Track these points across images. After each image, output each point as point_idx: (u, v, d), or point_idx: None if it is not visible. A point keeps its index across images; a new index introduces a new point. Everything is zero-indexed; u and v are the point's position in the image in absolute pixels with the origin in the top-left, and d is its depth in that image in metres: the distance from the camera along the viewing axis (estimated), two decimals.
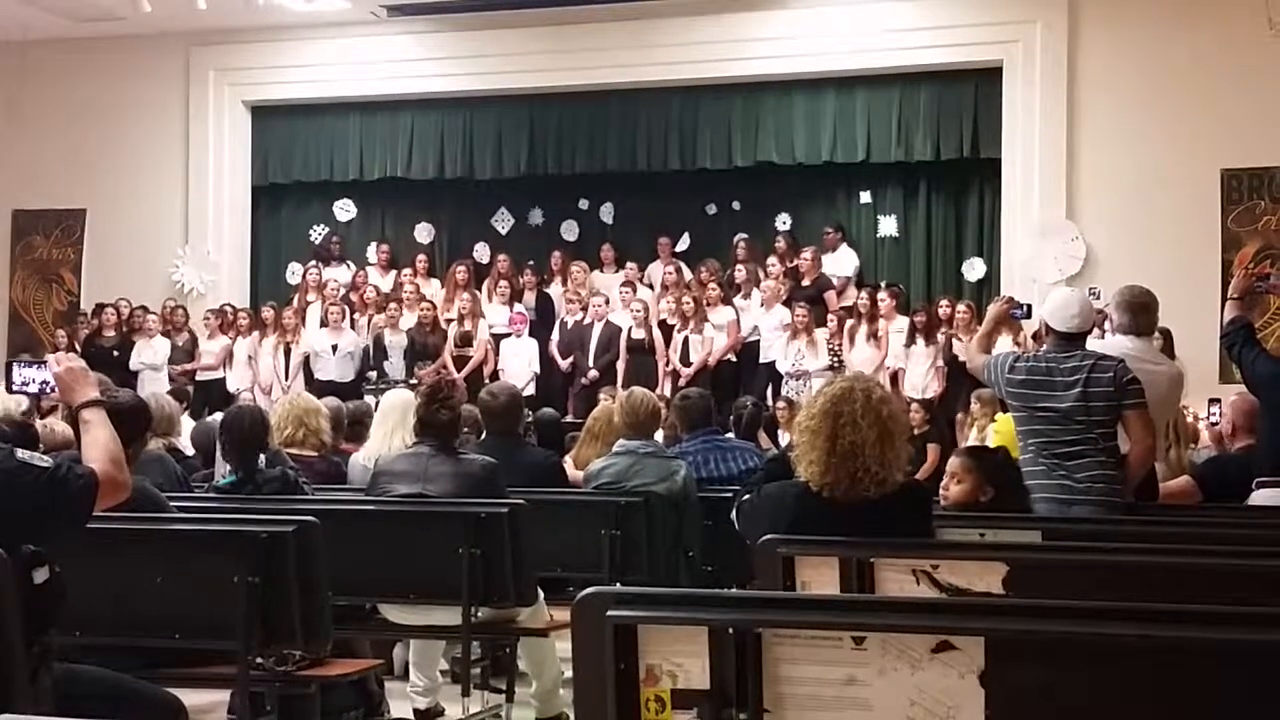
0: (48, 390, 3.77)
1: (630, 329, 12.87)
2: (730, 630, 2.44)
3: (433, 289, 14.21)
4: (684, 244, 14.50)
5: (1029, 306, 6.39)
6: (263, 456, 5.64)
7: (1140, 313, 5.81)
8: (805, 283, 13.20)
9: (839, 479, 3.86)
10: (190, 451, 7.08)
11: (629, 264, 14.02)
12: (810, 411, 3.96)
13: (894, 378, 12.24)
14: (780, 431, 10.65)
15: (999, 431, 8.86)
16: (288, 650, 4.48)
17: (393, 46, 14.42)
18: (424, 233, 15.38)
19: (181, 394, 10.72)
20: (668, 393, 10.96)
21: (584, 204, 15.06)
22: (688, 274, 13.75)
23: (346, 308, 13.78)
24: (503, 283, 13.82)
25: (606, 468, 6.49)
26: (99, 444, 3.50)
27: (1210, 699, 2.29)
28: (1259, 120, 12.18)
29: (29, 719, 3.10)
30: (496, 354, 13.34)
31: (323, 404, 7.02)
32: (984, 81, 13.22)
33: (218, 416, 6.70)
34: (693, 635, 2.46)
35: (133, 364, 13.62)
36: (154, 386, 12.00)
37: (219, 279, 14.84)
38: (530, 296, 13.94)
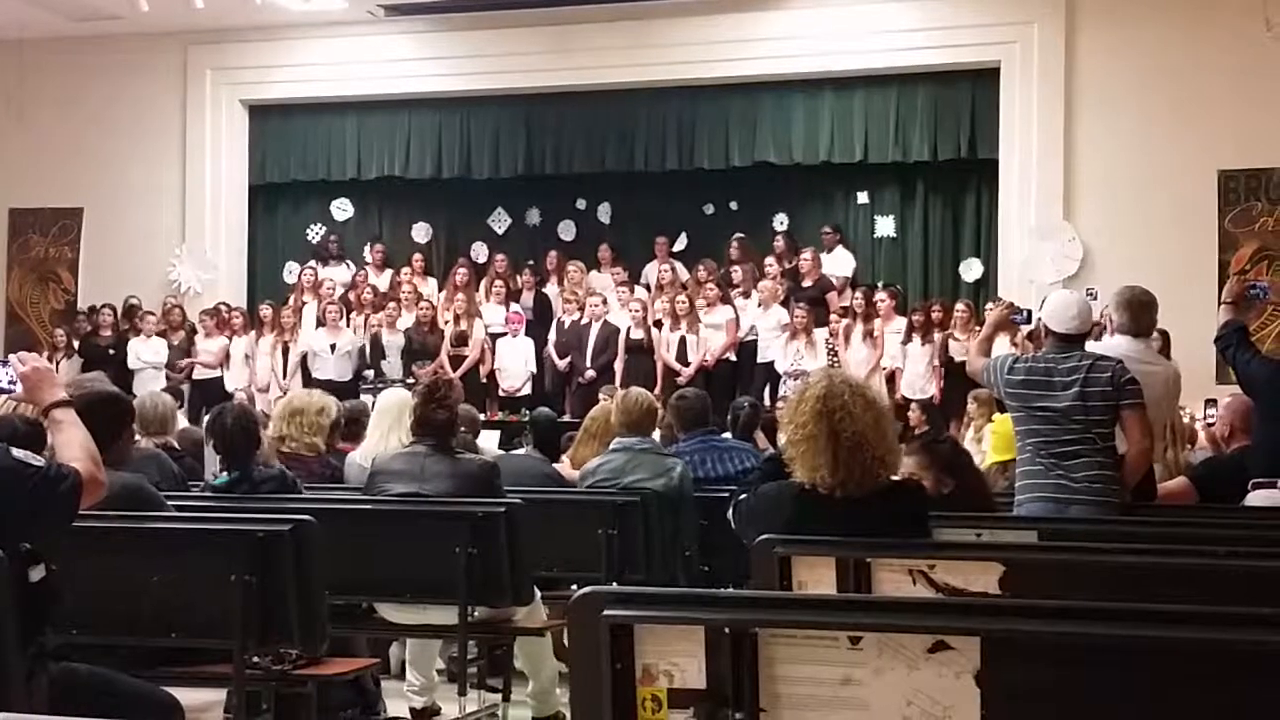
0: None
1: (629, 329, 12.86)
2: (726, 630, 2.44)
3: (430, 289, 14.21)
4: (681, 244, 14.50)
5: (1029, 311, 6.38)
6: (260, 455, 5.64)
7: (1140, 313, 5.80)
8: (806, 283, 13.20)
9: (851, 473, 3.83)
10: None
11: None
12: (800, 418, 3.87)
13: (890, 377, 12.26)
14: (779, 433, 10.62)
15: (996, 432, 8.86)
16: (284, 649, 4.48)
17: (390, 46, 14.42)
18: (421, 232, 15.38)
19: (176, 393, 10.70)
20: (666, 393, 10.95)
21: (581, 204, 15.07)
22: (683, 273, 13.75)
23: (344, 307, 13.78)
24: (499, 282, 13.82)
25: (602, 464, 6.49)
26: (75, 443, 3.50)
27: (1206, 700, 2.28)
28: (1256, 121, 12.18)
29: (25, 718, 3.09)
30: (493, 354, 13.35)
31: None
32: (981, 82, 13.22)
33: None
34: (689, 635, 2.46)
35: (130, 363, 13.61)
36: (151, 385, 11.98)
37: (216, 278, 14.84)
38: (528, 296, 13.94)
